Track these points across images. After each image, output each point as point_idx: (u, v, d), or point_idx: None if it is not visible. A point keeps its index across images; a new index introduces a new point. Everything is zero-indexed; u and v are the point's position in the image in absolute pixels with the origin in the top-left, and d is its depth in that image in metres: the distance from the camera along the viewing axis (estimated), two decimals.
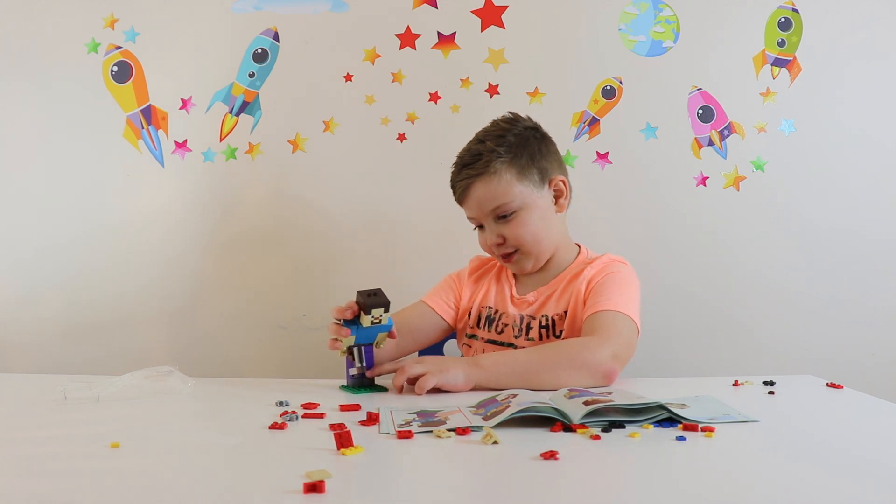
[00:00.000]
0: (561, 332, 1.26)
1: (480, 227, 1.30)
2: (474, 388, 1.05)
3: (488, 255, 1.40)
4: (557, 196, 1.31)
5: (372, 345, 1.13)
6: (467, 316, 1.38)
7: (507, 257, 1.29)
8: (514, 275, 1.36)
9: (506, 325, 1.31)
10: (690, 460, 0.72)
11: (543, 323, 1.27)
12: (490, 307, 1.35)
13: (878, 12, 1.70)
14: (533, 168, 1.27)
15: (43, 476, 0.67)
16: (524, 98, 1.71)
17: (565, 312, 1.26)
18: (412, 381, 1.05)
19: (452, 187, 1.30)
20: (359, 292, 1.09)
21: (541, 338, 1.27)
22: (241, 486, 0.66)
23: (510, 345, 1.29)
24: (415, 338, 1.34)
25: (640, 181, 1.72)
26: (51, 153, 1.76)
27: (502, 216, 1.25)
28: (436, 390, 1.04)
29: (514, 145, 1.26)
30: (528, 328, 1.28)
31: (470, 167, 1.25)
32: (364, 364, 1.12)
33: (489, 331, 1.33)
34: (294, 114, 1.74)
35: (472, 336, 1.36)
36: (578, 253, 1.35)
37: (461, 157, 1.30)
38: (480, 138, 1.29)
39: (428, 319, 1.36)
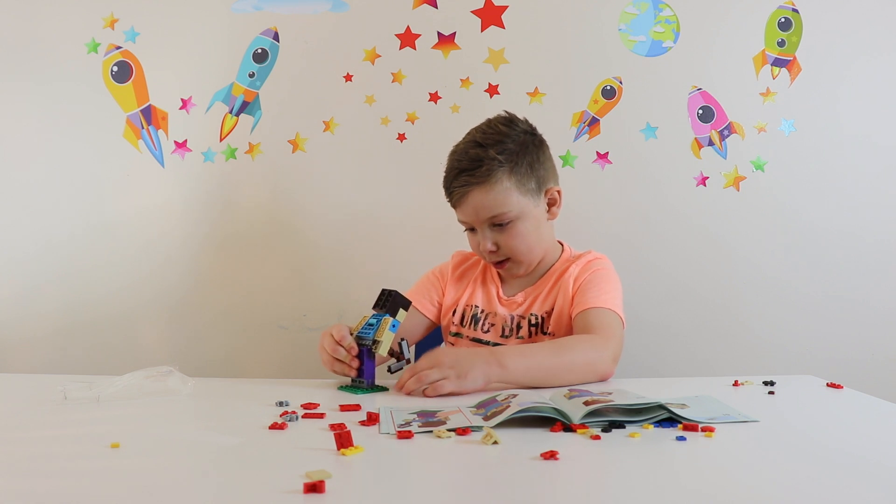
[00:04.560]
0: (548, 328, 1.28)
1: (471, 229, 1.30)
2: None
3: (471, 251, 1.40)
4: (551, 205, 1.31)
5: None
6: (451, 313, 1.38)
7: (499, 264, 1.30)
8: (500, 275, 1.37)
9: (492, 324, 1.32)
10: (690, 460, 0.72)
11: (533, 322, 1.29)
12: (477, 306, 1.36)
13: (878, 12, 1.70)
14: (532, 177, 1.26)
15: (43, 476, 0.67)
16: (524, 98, 1.71)
17: (552, 310, 1.28)
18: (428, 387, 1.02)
19: (448, 190, 1.27)
20: (383, 297, 1.13)
21: (530, 335, 1.29)
22: (241, 486, 0.66)
23: (495, 345, 1.29)
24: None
25: (640, 181, 1.72)
26: (51, 153, 1.76)
27: (498, 224, 1.25)
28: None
29: (514, 152, 1.24)
30: (518, 327, 1.30)
31: (469, 174, 1.22)
32: (406, 359, 1.13)
33: (475, 329, 1.34)
34: (294, 114, 1.74)
35: (457, 335, 1.36)
36: (562, 251, 1.36)
37: (458, 160, 1.26)
38: (479, 142, 1.25)
39: (412, 319, 1.34)
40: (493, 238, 1.26)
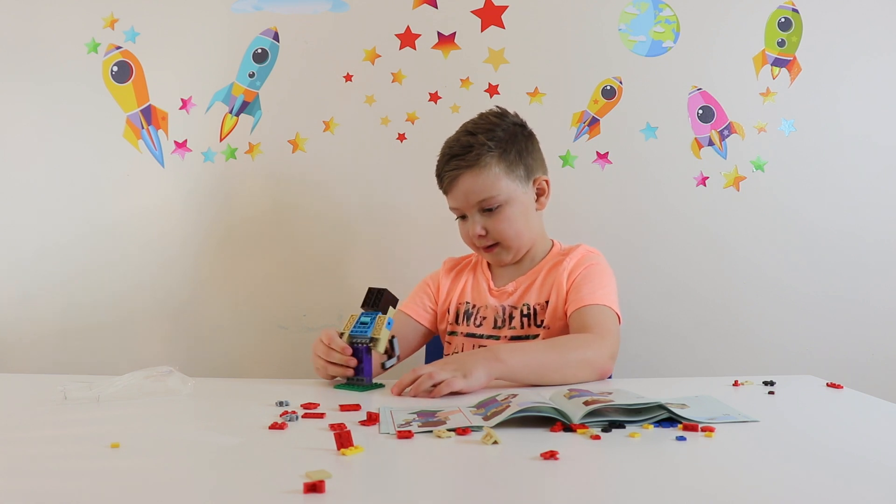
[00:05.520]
0: (542, 321, 1.29)
1: (462, 217, 1.32)
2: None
3: (460, 256, 1.45)
4: (539, 194, 1.34)
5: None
6: (447, 313, 1.39)
7: (487, 249, 1.32)
8: (490, 268, 1.39)
9: (484, 318, 1.34)
10: (690, 460, 0.72)
11: (525, 312, 1.30)
12: (468, 302, 1.37)
13: (878, 12, 1.70)
14: (520, 164, 1.29)
15: (43, 476, 0.67)
16: (524, 98, 1.71)
17: (546, 302, 1.29)
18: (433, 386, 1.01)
19: (439, 176, 1.32)
20: (373, 295, 1.14)
21: (522, 326, 1.30)
22: (241, 486, 0.66)
23: (490, 337, 1.31)
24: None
25: (640, 181, 1.72)
26: (51, 153, 1.76)
27: (487, 209, 1.28)
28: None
29: (504, 140, 1.28)
30: (510, 318, 1.31)
31: (459, 158, 1.27)
32: (396, 355, 1.13)
33: (467, 325, 1.35)
34: (294, 114, 1.74)
35: (453, 333, 1.37)
36: (552, 246, 1.39)
37: (450, 147, 1.31)
38: (470, 130, 1.30)
39: (406, 327, 1.36)
40: (483, 222, 1.29)
